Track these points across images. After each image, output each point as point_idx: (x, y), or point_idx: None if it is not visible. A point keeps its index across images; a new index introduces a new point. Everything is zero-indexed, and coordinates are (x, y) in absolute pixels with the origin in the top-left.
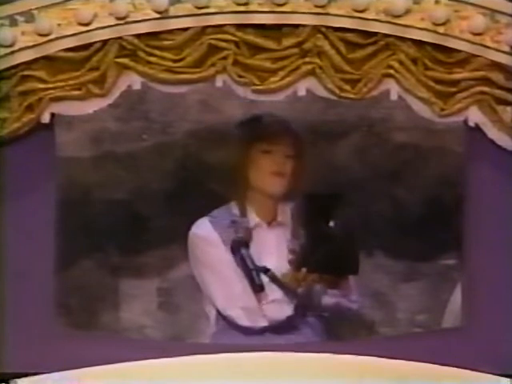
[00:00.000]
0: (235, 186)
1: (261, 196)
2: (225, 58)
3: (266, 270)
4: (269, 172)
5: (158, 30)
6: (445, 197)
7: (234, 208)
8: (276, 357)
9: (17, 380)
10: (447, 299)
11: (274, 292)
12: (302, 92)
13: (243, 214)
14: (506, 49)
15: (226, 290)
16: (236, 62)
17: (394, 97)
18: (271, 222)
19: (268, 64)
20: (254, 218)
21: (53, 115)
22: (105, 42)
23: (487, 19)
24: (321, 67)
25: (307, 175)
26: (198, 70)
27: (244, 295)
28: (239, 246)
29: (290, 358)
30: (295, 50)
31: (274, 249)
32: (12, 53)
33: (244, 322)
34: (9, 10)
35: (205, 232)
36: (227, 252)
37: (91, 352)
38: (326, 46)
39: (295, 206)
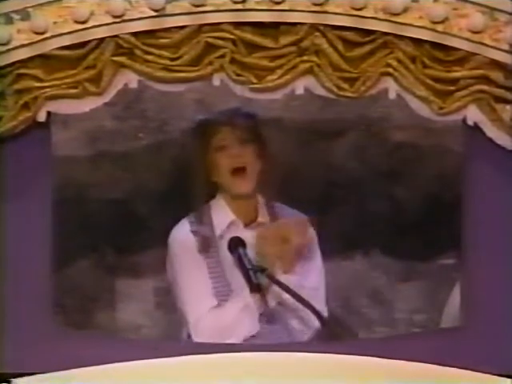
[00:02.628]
0: (200, 193)
1: (232, 197)
2: (222, 56)
3: (264, 270)
4: (228, 171)
5: (154, 28)
6: (443, 196)
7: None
8: (276, 357)
9: (14, 380)
10: (446, 299)
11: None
12: (299, 90)
13: (200, 221)
14: (506, 47)
15: (196, 306)
16: (233, 61)
17: (392, 95)
18: (250, 222)
19: (265, 62)
20: (229, 216)
21: (49, 114)
22: (101, 40)
23: (486, 17)
24: (319, 65)
25: (280, 167)
26: (195, 68)
27: (211, 314)
28: (237, 246)
29: (290, 358)
30: (293, 49)
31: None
32: (7, 51)
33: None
34: (4, 7)
35: (181, 235)
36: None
37: (89, 352)
38: (324, 45)
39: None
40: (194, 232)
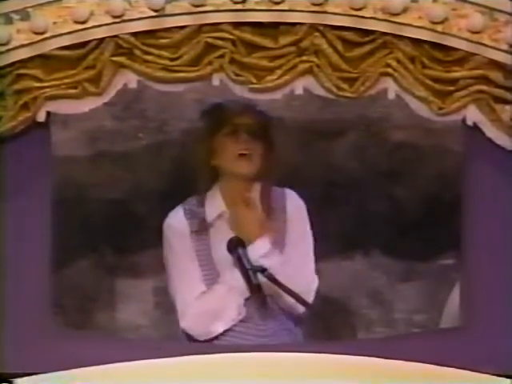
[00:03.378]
0: (199, 176)
1: (231, 181)
2: (222, 56)
3: (263, 270)
4: (235, 154)
5: (154, 28)
6: (443, 196)
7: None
8: (275, 357)
9: (14, 380)
10: (445, 299)
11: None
12: (299, 90)
13: (201, 204)
14: (505, 47)
15: (184, 293)
16: (233, 61)
17: (391, 95)
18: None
19: (265, 62)
20: (220, 207)
21: (48, 114)
22: (101, 41)
23: (485, 17)
24: (318, 66)
25: (278, 160)
26: (194, 68)
27: (199, 300)
28: (236, 246)
29: (290, 358)
30: (292, 49)
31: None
32: (7, 51)
33: (197, 332)
34: (4, 7)
35: (175, 221)
36: (191, 245)
37: (88, 352)
38: (324, 45)
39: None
40: (190, 213)
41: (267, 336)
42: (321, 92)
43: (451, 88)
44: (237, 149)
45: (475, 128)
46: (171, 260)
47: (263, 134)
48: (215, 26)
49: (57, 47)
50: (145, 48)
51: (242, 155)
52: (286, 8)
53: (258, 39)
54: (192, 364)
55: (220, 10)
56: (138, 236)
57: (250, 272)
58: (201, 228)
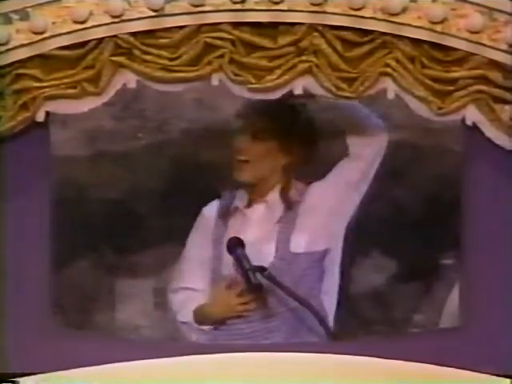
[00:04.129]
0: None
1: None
2: (221, 56)
3: (263, 270)
4: (236, 157)
5: (153, 28)
6: (442, 196)
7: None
8: (276, 357)
9: (14, 380)
10: (445, 299)
11: None
12: (298, 90)
13: (234, 194)
14: (504, 47)
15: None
16: (232, 61)
17: (391, 95)
18: (254, 202)
19: (264, 62)
20: (235, 202)
21: (48, 114)
22: (100, 41)
23: (485, 17)
24: (317, 66)
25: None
26: (193, 68)
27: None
28: (235, 246)
29: (290, 358)
30: (291, 49)
31: (255, 228)
32: (6, 51)
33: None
34: (3, 7)
35: (207, 211)
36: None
37: (88, 352)
38: (323, 45)
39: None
40: (223, 203)
41: (267, 336)
42: (320, 92)
43: (451, 88)
44: (237, 151)
45: (474, 128)
46: (190, 243)
47: (282, 131)
48: (214, 25)
49: (56, 47)
50: (144, 48)
51: (239, 160)
52: (285, 8)
53: (257, 39)
54: (192, 364)
55: (219, 10)
56: (137, 236)
57: (249, 272)
58: (226, 214)
